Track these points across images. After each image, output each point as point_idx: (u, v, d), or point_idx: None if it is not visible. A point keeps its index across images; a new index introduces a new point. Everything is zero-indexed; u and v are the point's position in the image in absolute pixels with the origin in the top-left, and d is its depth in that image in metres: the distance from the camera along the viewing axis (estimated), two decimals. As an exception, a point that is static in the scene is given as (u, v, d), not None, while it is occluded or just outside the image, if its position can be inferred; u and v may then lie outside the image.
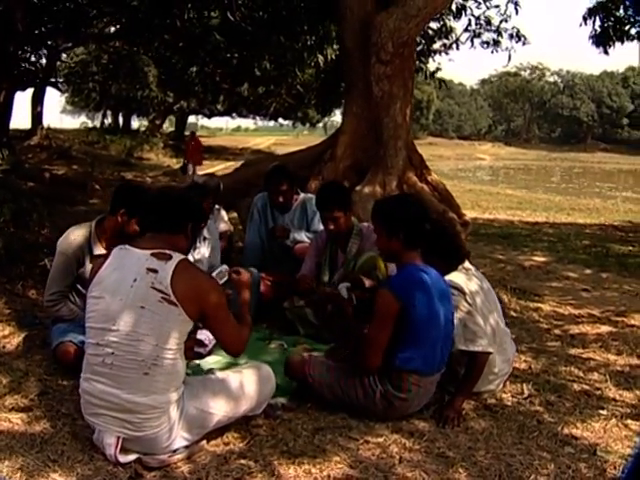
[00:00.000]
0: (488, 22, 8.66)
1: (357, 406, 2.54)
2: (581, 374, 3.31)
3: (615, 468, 2.29)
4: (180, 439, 2.10)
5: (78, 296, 3.11)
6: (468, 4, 8.32)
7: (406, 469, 2.16)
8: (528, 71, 54.85)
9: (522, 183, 26.28)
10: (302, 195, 4.15)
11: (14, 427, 2.33)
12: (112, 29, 14.18)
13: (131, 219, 3.02)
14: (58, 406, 2.54)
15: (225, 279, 2.52)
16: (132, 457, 2.08)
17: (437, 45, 9.34)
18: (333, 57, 11.59)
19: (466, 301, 2.76)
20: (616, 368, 3.40)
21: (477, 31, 8.71)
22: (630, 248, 8.10)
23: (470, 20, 8.61)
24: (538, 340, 3.91)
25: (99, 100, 22.03)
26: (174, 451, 2.10)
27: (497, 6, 8.34)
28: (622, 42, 8.78)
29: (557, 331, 4.17)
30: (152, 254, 2.12)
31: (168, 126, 32.88)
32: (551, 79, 58.21)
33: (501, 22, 8.52)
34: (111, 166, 15.98)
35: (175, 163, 20.10)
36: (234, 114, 29.55)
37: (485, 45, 8.92)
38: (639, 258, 7.25)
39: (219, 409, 2.18)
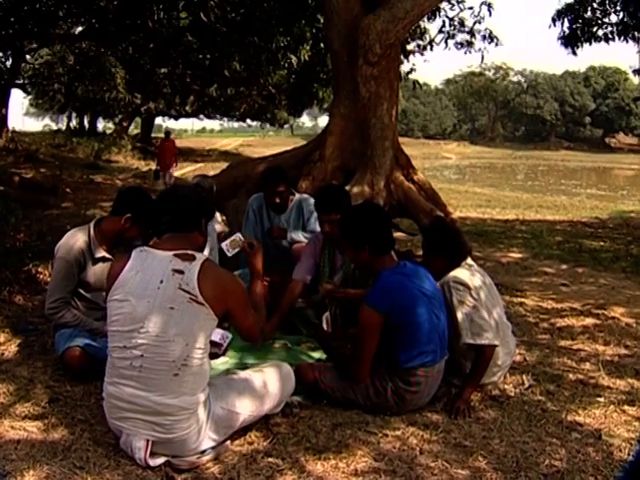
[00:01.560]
0: (462, 23, 8.84)
1: (370, 405, 2.60)
2: (574, 364, 3.44)
3: (620, 451, 2.41)
4: (208, 440, 2.11)
5: (80, 301, 3.07)
6: (442, 5, 8.48)
7: (428, 459, 2.23)
8: (492, 71, 56.01)
9: (489, 181, 26.73)
10: (297, 196, 4.18)
11: (31, 435, 2.29)
12: (79, 29, 13.92)
13: (134, 225, 3.00)
14: (72, 412, 2.50)
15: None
16: (161, 460, 2.07)
17: (411, 46, 9.47)
18: (306, 58, 11.66)
19: (471, 296, 2.84)
20: (606, 358, 3.54)
21: (451, 32, 8.88)
22: (601, 243, 8.39)
23: (444, 21, 8.79)
24: (528, 333, 4.04)
25: (64, 102, 21.56)
26: (202, 452, 2.10)
27: (471, 8, 8.54)
28: (590, 43, 9.09)
29: (545, 324, 4.30)
30: (175, 255, 2.12)
31: (133, 128, 32.37)
32: (515, 79, 59.64)
33: (475, 24, 8.72)
34: (79, 169, 15.67)
35: (144, 165, 19.83)
36: (201, 115, 29.28)
37: (459, 46, 9.11)
38: (611, 253, 7.53)
39: (245, 408, 2.19)
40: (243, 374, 2.34)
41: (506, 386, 3.05)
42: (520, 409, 2.77)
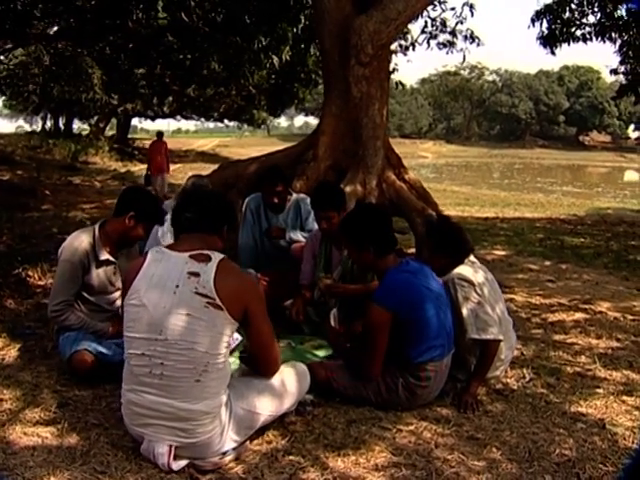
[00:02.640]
0: (444, 24, 8.94)
1: (381, 401, 2.64)
2: (570, 358, 3.53)
3: (625, 439, 2.50)
4: (230, 441, 2.10)
5: (83, 304, 3.03)
6: (424, 6, 8.53)
7: (444, 452, 2.27)
8: (468, 70, 56.57)
9: (466, 180, 27.02)
10: (295, 195, 4.20)
11: (46, 441, 2.26)
12: (54, 29, 13.68)
13: (138, 224, 2.98)
14: (84, 417, 2.48)
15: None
16: (184, 463, 2.06)
17: (393, 46, 9.53)
18: (287, 58, 11.66)
19: (476, 292, 2.90)
20: (599, 351, 3.64)
21: (433, 33, 8.98)
22: (582, 240, 8.59)
23: (427, 22, 8.87)
24: (522, 329, 4.11)
25: (39, 103, 21.17)
26: (224, 453, 2.10)
27: (453, 8, 8.63)
28: (568, 43, 9.27)
29: (537, 320, 4.40)
30: (190, 256, 2.09)
31: (108, 129, 31.96)
32: (490, 78, 60.35)
33: (457, 24, 8.83)
34: (57, 171, 15.42)
35: (121, 167, 19.60)
36: (178, 116, 29.05)
37: (441, 46, 9.21)
38: (592, 249, 7.72)
39: (265, 408, 2.20)
40: (261, 374, 2.33)
41: (508, 380, 3.12)
42: (525, 401, 2.84)
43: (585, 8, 8.93)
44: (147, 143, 32.42)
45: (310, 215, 4.00)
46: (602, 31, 9.16)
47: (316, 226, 3.89)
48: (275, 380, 2.27)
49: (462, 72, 56.66)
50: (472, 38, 9.07)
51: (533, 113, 56.48)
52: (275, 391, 2.24)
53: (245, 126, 33.67)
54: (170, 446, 2.02)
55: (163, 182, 12.63)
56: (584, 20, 9.08)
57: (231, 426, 2.10)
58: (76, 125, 29.13)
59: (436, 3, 8.18)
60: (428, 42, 9.16)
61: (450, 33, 9.03)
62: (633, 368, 3.35)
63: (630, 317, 4.43)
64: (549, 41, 9.67)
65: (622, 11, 8.98)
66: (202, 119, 29.66)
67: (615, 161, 43.88)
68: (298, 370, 2.38)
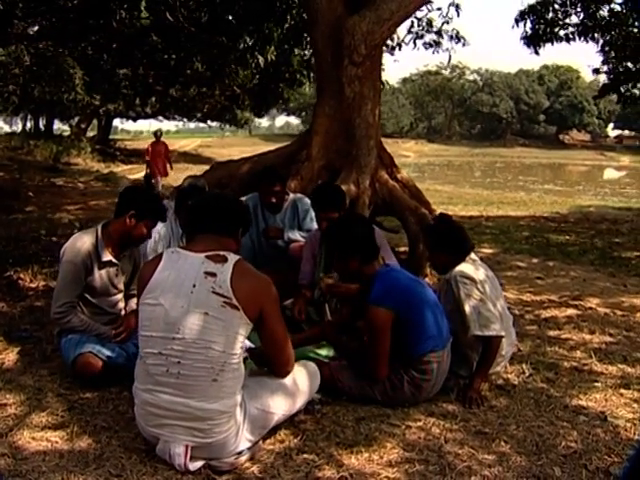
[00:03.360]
0: (430, 24, 9.00)
1: (387, 399, 2.66)
2: (566, 353, 3.60)
3: (626, 430, 2.56)
4: (244, 441, 2.11)
5: (85, 306, 3.00)
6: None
7: (455, 447, 2.31)
8: (449, 70, 56.91)
9: (448, 179, 27.20)
10: (292, 195, 4.21)
11: (56, 446, 2.24)
12: (35, 28, 13.49)
13: (140, 222, 2.96)
14: (93, 420, 2.45)
15: None
16: (200, 463, 2.06)
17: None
18: (273, 58, 11.66)
19: (478, 289, 2.94)
20: (594, 346, 3.71)
21: (420, 33, 9.04)
22: (567, 237, 8.73)
23: (413, 22, 8.93)
24: (516, 325, 4.16)
25: (19, 104, 20.83)
26: (239, 453, 2.10)
27: (439, 8, 8.70)
28: (552, 43, 9.40)
29: (530, 316, 4.47)
30: (207, 256, 2.09)
31: (89, 130, 31.62)
32: (471, 77, 60.81)
33: (443, 24, 8.90)
34: (39, 172, 15.21)
35: (104, 168, 19.41)
36: (160, 117, 28.84)
37: (427, 46, 9.28)
38: (578, 246, 7.86)
39: (278, 407, 2.21)
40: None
41: (509, 375, 3.17)
42: (527, 396, 2.89)
43: (568, 8, 9.07)
44: (129, 144, 32.28)
45: (307, 215, 4.02)
46: (585, 31, 9.32)
47: (315, 226, 3.92)
48: (288, 379, 2.28)
49: (443, 72, 57.07)
50: (458, 38, 9.16)
51: (514, 112, 57.10)
52: (288, 390, 2.25)
53: (227, 126, 33.53)
54: (186, 446, 2.02)
55: (157, 182, 12.38)
56: (567, 20, 9.23)
57: (246, 426, 2.10)
58: (56, 126, 28.76)
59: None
60: (414, 42, 9.23)
61: (436, 33, 9.11)
62: (628, 362, 3.42)
63: (619, 313, 4.52)
64: (533, 41, 9.81)
65: (604, 12, 9.14)
66: (184, 119, 29.49)
67: (595, 159, 44.62)
68: (309, 369, 2.40)
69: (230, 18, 10.20)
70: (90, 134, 29.72)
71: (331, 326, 3.04)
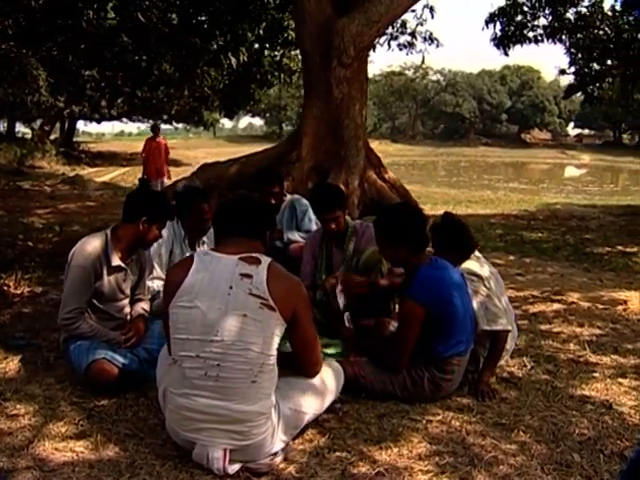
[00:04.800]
0: (404, 25, 9.13)
1: (407, 395, 2.72)
2: (560, 346, 3.72)
3: (631, 417, 2.69)
4: (279, 442, 2.12)
5: (93, 311, 2.95)
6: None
7: (478, 439, 2.38)
8: (412, 70, 57.40)
9: (414, 178, 27.36)
10: (289, 196, 4.23)
11: (82, 456, 2.19)
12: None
13: (152, 226, 2.94)
14: (114, 428, 2.41)
15: None
16: (237, 466, 2.05)
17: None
18: (245, 59, 11.62)
19: (484, 285, 3.02)
20: (585, 338, 3.84)
21: (394, 34, 9.16)
22: (540, 235, 8.97)
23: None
24: (516, 320, 4.28)
25: (-22, 106, 20.17)
26: (274, 454, 2.11)
27: (413, 10, 8.83)
28: (521, 45, 9.64)
29: (518, 311, 4.57)
30: (240, 259, 2.10)
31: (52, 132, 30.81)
32: (434, 78, 61.38)
33: (417, 26, 9.04)
34: (4, 176, 14.78)
35: (70, 171, 18.96)
36: (125, 119, 28.35)
37: (402, 47, 9.40)
38: (551, 243, 8.10)
39: (309, 407, 2.22)
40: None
41: (512, 368, 3.26)
42: (534, 388, 2.99)
43: (537, 11, 9.32)
44: (93, 146, 31.57)
45: (305, 215, 4.04)
46: (553, 33, 9.59)
47: (314, 227, 3.94)
48: (316, 379, 2.29)
49: (407, 72, 57.58)
50: (431, 39, 9.34)
51: (476, 112, 58.05)
52: (317, 390, 2.27)
53: (193, 128, 33.18)
54: (225, 450, 2.01)
55: (162, 183, 10.76)
56: (536, 22, 9.49)
57: (280, 426, 2.11)
58: (17, 129, 27.90)
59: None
60: (389, 43, 9.35)
61: (410, 34, 9.24)
62: (619, 353, 3.57)
63: (601, 306, 4.67)
64: (502, 42, 10.04)
65: (571, 14, 9.44)
66: (150, 121, 29.03)
67: (556, 158, 45.80)
68: (334, 368, 2.42)
69: (203, 19, 10.12)
70: (52, 137, 28.98)
71: (350, 332, 3.06)
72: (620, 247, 7.97)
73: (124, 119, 28.03)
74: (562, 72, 11.11)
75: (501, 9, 9.55)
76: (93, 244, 2.87)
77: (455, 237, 3.12)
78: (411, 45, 9.39)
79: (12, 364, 3.14)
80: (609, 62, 9.77)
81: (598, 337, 3.89)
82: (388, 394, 2.71)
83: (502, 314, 3.00)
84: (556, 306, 4.73)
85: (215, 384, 2.01)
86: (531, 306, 4.74)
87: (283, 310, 2.06)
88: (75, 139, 28.82)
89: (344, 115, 5.10)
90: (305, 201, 4.18)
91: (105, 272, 2.90)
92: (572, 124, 62.97)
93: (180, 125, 29.90)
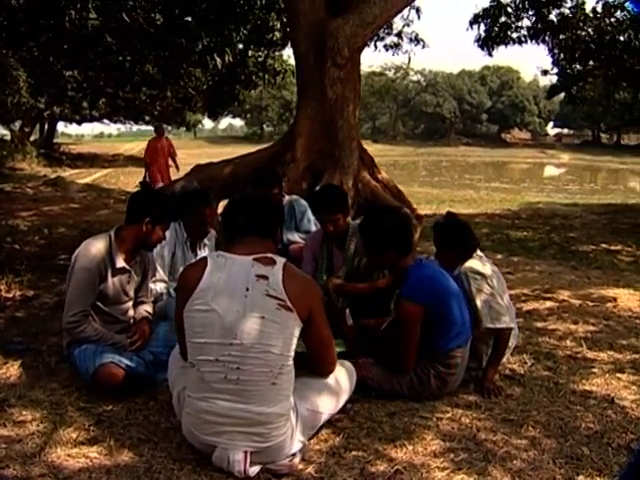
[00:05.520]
0: (390, 26, 9.19)
1: (414, 393, 2.75)
2: (557, 343, 3.78)
3: (633, 410, 2.75)
4: (297, 442, 2.12)
5: (97, 314, 2.91)
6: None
7: (489, 435, 2.42)
8: (393, 70, 57.70)
9: (397, 179, 27.22)
10: (287, 197, 4.23)
11: (97, 462, 2.16)
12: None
13: (156, 226, 2.92)
14: (127, 433, 2.38)
15: None
16: (257, 468, 2.05)
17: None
18: (230, 60, 11.58)
19: (487, 284, 3.06)
20: (580, 335, 3.91)
21: (381, 35, 9.21)
22: (525, 233, 9.09)
23: (374, 24, 9.07)
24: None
25: (-45, 107, 19.71)
26: (293, 455, 2.10)
27: (400, 11, 8.85)
28: (506, 45, 9.77)
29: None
30: (255, 259, 2.08)
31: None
32: (415, 78, 61.77)
33: (403, 26, 9.11)
34: (-17, 178, 14.56)
35: (51, 172, 18.70)
36: (106, 120, 28.04)
37: (388, 48, 9.46)
38: (537, 242, 8.22)
39: (326, 407, 2.23)
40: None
41: (513, 366, 3.31)
42: (536, 384, 3.04)
43: (520, 12, 9.46)
44: (73, 148, 31.16)
45: (304, 216, 4.05)
46: (536, 34, 9.73)
47: (313, 227, 3.95)
48: (331, 379, 2.30)
49: (387, 72, 57.83)
50: (417, 40, 9.41)
51: (457, 112, 58.54)
52: (333, 390, 2.28)
53: (174, 129, 32.94)
54: (245, 452, 2.00)
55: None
56: (519, 23, 9.62)
57: (298, 427, 2.11)
58: (-3, 130, 27.42)
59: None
60: (375, 44, 9.41)
61: (396, 35, 9.31)
62: (615, 349, 3.63)
63: (591, 303, 4.74)
64: (486, 43, 10.16)
65: (553, 16, 9.59)
66: (131, 122, 28.80)
67: (536, 157, 46.44)
68: (347, 368, 2.43)
69: (189, 19, 10.06)
70: (31, 138, 28.55)
71: (352, 330, 3.08)
72: (604, 245, 8.12)
73: (105, 120, 27.69)
74: (544, 73, 11.30)
75: (485, 10, 9.68)
76: (97, 246, 2.84)
77: (457, 236, 3.15)
78: (397, 46, 9.48)
79: (13, 369, 3.08)
80: (591, 63, 9.96)
81: (593, 334, 3.96)
82: (396, 393, 2.74)
83: (505, 312, 3.04)
84: (549, 304, 4.79)
85: (235, 387, 2.00)
86: (524, 304, 4.81)
87: (300, 310, 2.05)
88: (55, 140, 28.42)
89: (338, 116, 5.11)
90: (304, 202, 4.19)
91: (109, 274, 2.87)
92: (551, 124, 63.84)
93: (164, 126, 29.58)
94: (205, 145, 46.43)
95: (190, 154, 36.88)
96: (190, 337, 2.09)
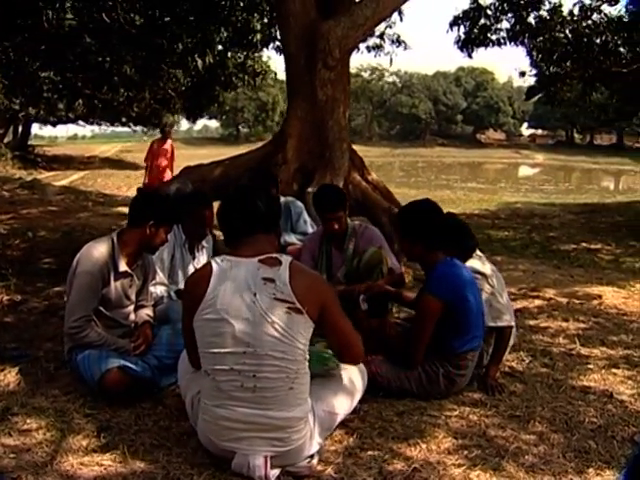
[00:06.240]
0: (372, 28, 9.22)
1: (422, 391, 2.77)
2: (550, 340, 3.86)
3: (632, 404, 2.83)
4: (315, 444, 2.11)
5: (99, 319, 2.86)
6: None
7: (498, 431, 2.46)
8: (368, 72, 57.96)
9: (375, 179, 27.51)
10: (283, 199, 4.22)
11: (113, 469, 2.12)
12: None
13: (159, 229, 2.89)
14: (138, 439, 2.34)
15: None
16: (277, 472, 2.04)
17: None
18: (211, 61, 11.51)
19: (488, 283, 3.11)
20: (572, 332, 3.99)
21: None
22: (506, 233, 9.23)
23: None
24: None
25: None
26: (311, 457, 2.10)
27: (382, 13, 8.91)
28: (485, 47, 9.90)
29: (503, 309, 4.71)
30: (260, 261, 2.04)
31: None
32: (390, 79, 62.13)
33: (386, 28, 9.17)
34: (-42, 181, 14.22)
35: (27, 175, 18.34)
36: (81, 121, 27.57)
37: (370, 50, 9.52)
38: (518, 241, 8.36)
39: (341, 408, 2.23)
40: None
41: (511, 363, 3.37)
42: (536, 380, 3.10)
43: (500, 14, 9.60)
44: (48, 150, 30.57)
45: (300, 217, 4.05)
46: (515, 36, 9.89)
47: (309, 229, 3.96)
48: (345, 379, 2.30)
49: (362, 74, 58.01)
50: (399, 42, 9.49)
51: (432, 113, 59.06)
52: (347, 390, 2.28)
53: (151, 131, 32.50)
54: (266, 457, 1.99)
55: None
56: (499, 25, 9.76)
57: (316, 429, 2.11)
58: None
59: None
60: (357, 46, 9.41)
61: (379, 37, 9.37)
62: (607, 345, 3.72)
63: (577, 301, 4.83)
64: (466, 45, 10.28)
65: (532, 18, 9.75)
66: (107, 124, 28.35)
67: (511, 157, 47.17)
68: (360, 367, 2.43)
69: (170, 19, 9.97)
70: (5, 140, 27.92)
71: (366, 315, 3.08)
72: (584, 244, 8.30)
73: (81, 122, 27.23)
74: (522, 74, 11.49)
75: (465, 12, 9.80)
76: (100, 249, 2.79)
77: (457, 236, 3.19)
78: (379, 47, 9.54)
79: (10, 376, 3.01)
80: (569, 64, 10.16)
81: (584, 331, 4.04)
82: (404, 391, 2.76)
83: (505, 310, 3.10)
84: (537, 302, 4.87)
85: (253, 395, 1.98)
86: (514, 302, 4.81)
87: (310, 309, 2.01)
88: (29, 142, 27.86)
89: (328, 117, 5.13)
90: (299, 203, 4.19)
91: (112, 278, 2.83)
92: (526, 124, 64.86)
93: (138, 128, 29.19)
94: (181, 147, 45.90)
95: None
96: (203, 347, 2.06)
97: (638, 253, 7.59)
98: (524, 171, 36.75)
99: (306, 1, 4.89)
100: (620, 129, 46.07)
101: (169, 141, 9.87)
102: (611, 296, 5.05)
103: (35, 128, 27.92)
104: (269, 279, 2.01)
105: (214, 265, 2.08)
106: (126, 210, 3.14)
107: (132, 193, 15.33)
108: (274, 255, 2.08)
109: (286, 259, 2.09)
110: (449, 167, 37.52)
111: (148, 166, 9.58)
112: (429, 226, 2.81)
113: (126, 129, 30.99)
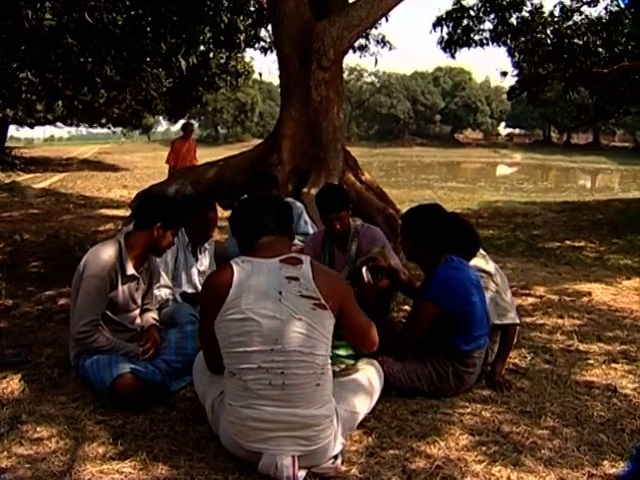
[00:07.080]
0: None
1: (433, 390, 2.80)
2: (548, 336, 3.92)
3: (636, 398, 2.88)
4: (338, 444, 2.11)
5: (106, 323, 2.82)
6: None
7: (512, 427, 2.50)
8: (347, 72, 58.03)
9: (355, 179, 27.54)
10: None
11: (134, 476, 2.09)
12: None
13: (166, 232, 2.87)
14: (156, 445, 2.31)
15: None
16: (303, 472, 2.04)
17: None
18: (195, 62, 11.45)
19: (493, 281, 3.15)
20: (568, 329, 4.06)
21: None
22: (491, 232, 9.33)
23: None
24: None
25: None
26: (335, 457, 2.10)
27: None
28: (468, 47, 10.02)
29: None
30: (281, 261, 2.08)
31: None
32: (369, 79, 62.34)
33: (371, 29, 9.20)
34: (-64, 184, 13.90)
35: (5, 177, 18.00)
36: (59, 123, 27.14)
37: (356, 50, 9.56)
38: (504, 240, 8.47)
39: (362, 407, 2.25)
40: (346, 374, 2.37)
41: (514, 360, 3.41)
42: (541, 376, 3.15)
43: (483, 15, 9.72)
44: (25, 152, 30.01)
45: (301, 218, 4.05)
46: (497, 37, 10.02)
47: (310, 229, 3.96)
48: (363, 379, 2.33)
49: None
50: (384, 42, 9.54)
51: (411, 113, 59.40)
52: (366, 390, 2.30)
53: (131, 132, 32.19)
54: (293, 457, 1.99)
55: None
56: (481, 26, 9.88)
57: (339, 429, 2.11)
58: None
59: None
60: (352, 46, 9.45)
61: (364, 37, 9.41)
62: (603, 341, 3.79)
63: (568, 298, 4.91)
64: (449, 46, 10.38)
65: (514, 19, 9.89)
66: (86, 125, 27.95)
67: (489, 157, 47.73)
68: (376, 367, 2.46)
69: (153, 20, 9.88)
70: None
71: (367, 287, 3.02)
72: (569, 242, 8.44)
73: (59, 123, 26.79)
74: (504, 74, 11.65)
75: (448, 13, 9.91)
76: (108, 252, 2.75)
77: (461, 236, 3.22)
78: (364, 48, 9.59)
79: (14, 384, 2.94)
80: (550, 65, 10.33)
81: (580, 327, 4.11)
82: (416, 390, 2.79)
83: (510, 308, 3.14)
84: (530, 300, 4.94)
85: (281, 392, 1.99)
86: (508, 300, 4.94)
87: (332, 305, 2.07)
88: (9, 145, 27.35)
89: (322, 118, 5.13)
90: (300, 204, 4.19)
91: (120, 282, 2.80)
92: (503, 124, 65.62)
93: (118, 129, 28.82)
94: (160, 148, 45.51)
95: (146, 157, 36.12)
96: (227, 347, 2.06)
97: (621, 250, 7.74)
98: (502, 170, 37.23)
99: (300, 2, 4.88)
100: (596, 128, 46.89)
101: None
102: (600, 293, 5.14)
103: (12, 130, 27.30)
104: (293, 277, 2.05)
105: (235, 266, 2.10)
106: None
107: (113, 195, 15.15)
108: (293, 255, 2.13)
109: (306, 258, 2.13)
110: (428, 167, 37.81)
111: (171, 167, 9.09)
112: (438, 233, 2.84)
113: (104, 130, 30.63)
